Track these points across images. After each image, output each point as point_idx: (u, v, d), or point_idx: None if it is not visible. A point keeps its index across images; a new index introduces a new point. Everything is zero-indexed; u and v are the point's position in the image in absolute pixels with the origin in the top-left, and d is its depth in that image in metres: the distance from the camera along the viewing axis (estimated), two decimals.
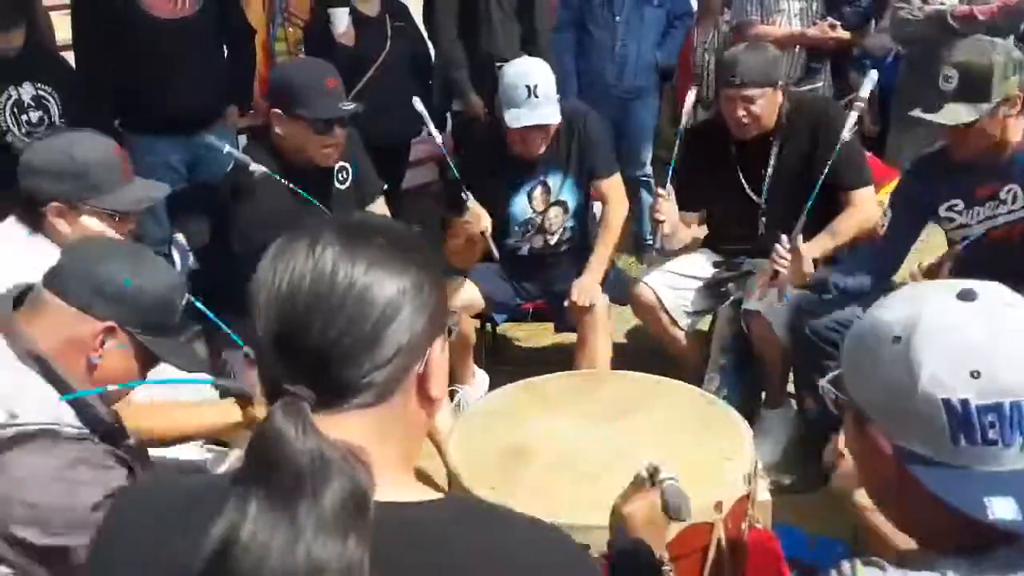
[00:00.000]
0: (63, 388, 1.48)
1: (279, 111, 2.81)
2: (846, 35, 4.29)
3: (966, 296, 0.99)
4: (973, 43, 2.55)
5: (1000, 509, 0.92)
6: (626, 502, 1.50)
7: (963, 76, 2.47)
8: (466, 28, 4.21)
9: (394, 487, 0.85)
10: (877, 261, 2.87)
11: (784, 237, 2.79)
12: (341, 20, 4.00)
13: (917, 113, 2.59)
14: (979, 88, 2.46)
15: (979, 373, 0.94)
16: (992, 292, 1.01)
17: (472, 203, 3.05)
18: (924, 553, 1.01)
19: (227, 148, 2.85)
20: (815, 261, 2.86)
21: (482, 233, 3.06)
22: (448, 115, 4.50)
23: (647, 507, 1.48)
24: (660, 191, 3.11)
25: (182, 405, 2.09)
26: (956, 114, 2.49)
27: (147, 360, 1.63)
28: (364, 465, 0.78)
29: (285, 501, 0.74)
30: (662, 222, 3.04)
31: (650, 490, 1.51)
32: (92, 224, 2.13)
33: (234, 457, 2.24)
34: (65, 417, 1.45)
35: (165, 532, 0.85)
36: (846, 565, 0.99)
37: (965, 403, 0.94)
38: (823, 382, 1.10)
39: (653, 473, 1.52)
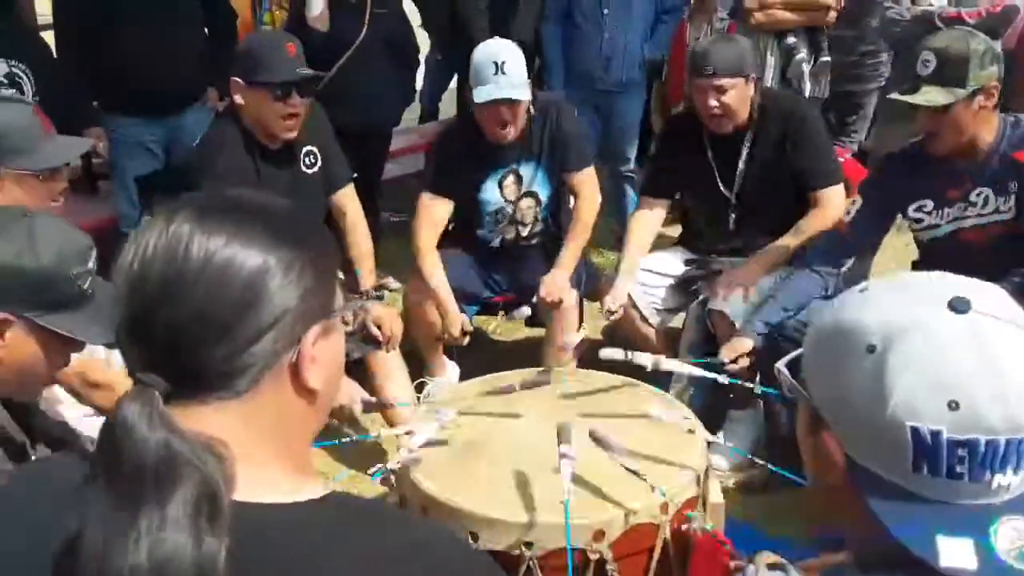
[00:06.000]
0: None
1: (238, 78, 2.78)
2: None
3: (958, 307, 0.88)
4: (952, 31, 2.57)
5: (952, 554, 0.84)
6: None
7: (940, 60, 2.48)
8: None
9: (267, 485, 0.80)
10: (835, 247, 2.87)
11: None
12: (316, 3, 3.97)
13: (894, 95, 2.63)
14: (955, 72, 2.47)
15: (958, 404, 0.84)
16: (989, 301, 0.89)
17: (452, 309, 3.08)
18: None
19: None
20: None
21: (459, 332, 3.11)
22: None
23: None
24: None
25: None
26: (931, 96, 2.49)
27: (61, 338, 1.50)
28: (222, 461, 0.74)
29: (128, 498, 0.71)
30: (615, 311, 3.04)
31: None
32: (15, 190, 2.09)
33: None
34: None
35: (30, 530, 0.82)
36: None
37: (937, 435, 0.85)
38: (780, 365, 1.01)
39: None
